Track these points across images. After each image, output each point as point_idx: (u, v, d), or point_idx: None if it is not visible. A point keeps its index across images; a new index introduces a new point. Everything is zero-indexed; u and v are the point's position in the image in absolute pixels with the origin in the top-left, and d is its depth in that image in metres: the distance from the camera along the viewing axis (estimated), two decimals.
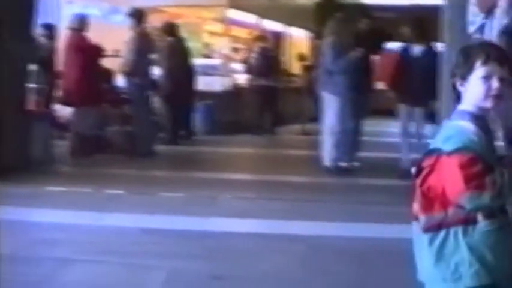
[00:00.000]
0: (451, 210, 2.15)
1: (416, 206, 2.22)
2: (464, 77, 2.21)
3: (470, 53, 2.23)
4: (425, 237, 2.19)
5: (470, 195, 2.08)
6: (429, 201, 2.18)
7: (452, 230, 2.14)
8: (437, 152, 2.18)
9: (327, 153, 7.56)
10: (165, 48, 9.91)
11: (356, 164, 7.63)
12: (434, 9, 6.60)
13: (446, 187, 2.14)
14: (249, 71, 12.42)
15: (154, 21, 10.59)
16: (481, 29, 3.29)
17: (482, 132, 2.16)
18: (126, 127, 8.76)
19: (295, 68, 15.72)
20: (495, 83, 2.16)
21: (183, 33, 10.95)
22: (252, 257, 4.26)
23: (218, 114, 11.29)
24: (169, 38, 10.15)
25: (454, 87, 2.24)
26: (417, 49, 7.26)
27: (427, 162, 2.21)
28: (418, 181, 2.21)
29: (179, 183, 6.77)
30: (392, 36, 8.50)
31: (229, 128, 11.01)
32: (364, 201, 5.91)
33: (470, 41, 5.75)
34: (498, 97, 2.17)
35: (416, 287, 2.26)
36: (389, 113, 8.01)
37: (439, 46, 6.34)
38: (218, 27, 14.55)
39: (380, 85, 8.37)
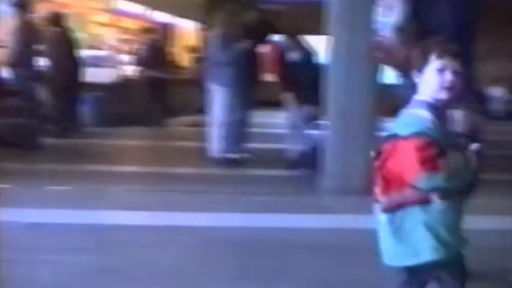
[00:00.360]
0: (408, 191, 2.31)
1: (376, 189, 2.40)
2: (420, 69, 2.40)
3: (426, 47, 2.43)
4: (385, 218, 2.36)
5: (425, 176, 2.24)
6: (388, 184, 2.36)
7: (409, 210, 2.32)
8: (395, 137, 2.35)
9: (216, 144, 7.65)
10: (51, 39, 9.66)
11: (244, 155, 7.75)
12: (320, 2, 6.73)
13: (403, 169, 2.30)
14: (137, 62, 12.33)
15: (41, 11, 10.31)
16: (382, 26, 3.40)
17: (437, 120, 2.33)
18: (12, 119, 8.49)
19: (185, 59, 15.73)
20: (449, 76, 2.35)
21: (70, 23, 10.71)
22: (141, 250, 4.25)
23: (107, 106, 11.14)
24: (55, 28, 9.90)
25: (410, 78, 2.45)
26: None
27: (386, 147, 2.39)
28: (377, 165, 2.39)
29: (67, 176, 6.65)
30: (280, 28, 8.66)
31: (118, 120, 10.90)
32: (252, 192, 6.02)
33: (354, 33, 5.99)
34: (451, 89, 2.35)
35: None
36: (278, 104, 8.18)
37: (324, 40, 6.52)
38: (106, 18, 14.33)
39: (268, 77, 8.55)
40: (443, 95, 2.36)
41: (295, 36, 7.56)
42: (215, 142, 7.67)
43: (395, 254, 2.39)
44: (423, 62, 2.40)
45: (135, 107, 11.73)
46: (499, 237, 4.59)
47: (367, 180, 5.66)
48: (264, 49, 8.08)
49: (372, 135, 6.16)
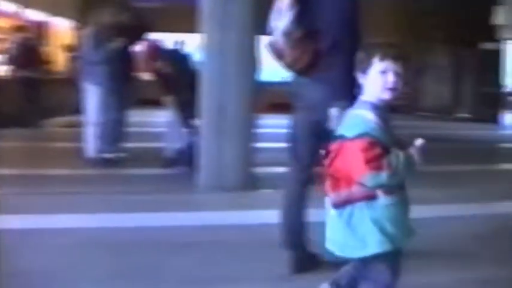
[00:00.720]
0: (355, 188, 2.50)
1: (326, 186, 2.61)
2: (364, 71, 2.58)
3: (370, 51, 2.61)
4: (335, 212, 2.57)
5: (370, 174, 2.43)
6: (336, 181, 2.56)
7: (357, 205, 2.51)
8: (342, 138, 2.53)
9: (91, 144, 7.54)
10: None
11: (121, 154, 7.68)
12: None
13: (351, 168, 2.48)
14: (9, 61, 11.92)
15: None
16: (273, 29, 3.58)
17: (380, 120, 2.51)
18: None
19: (61, 58, 15.33)
20: (391, 77, 2.54)
21: None
22: (15, 254, 4.16)
23: None
24: None
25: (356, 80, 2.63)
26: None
27: (333, 147, 2.58)
28: (326, 164, 2.59)
29: None
30: (156, 26, 8.65)
31: None
32: (128, 192, 5.96)
33: (226, 32, 6.10)
34: (394, 89, 2.54)
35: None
36: (155, 102, 8.17)
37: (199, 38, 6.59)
38: None
39: (145, 75, 8.52)
40: (386, 96, 2.55)
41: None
42: (91, 142, 7.56)
43: (345, 246, 2.58)
44: (367, 64, 2.58)
45: (8, 108, 11.33)
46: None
47: (244, 177, 5.83)
48: (139, 47, 8.05)
49: (247, 132, 6.30)
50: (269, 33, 3.60)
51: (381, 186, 2.48)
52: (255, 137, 6.43)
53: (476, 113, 17.68)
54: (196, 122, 6.68)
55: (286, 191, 3.83)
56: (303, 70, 3.53)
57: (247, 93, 6.26)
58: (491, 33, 16.74)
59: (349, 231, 2.54)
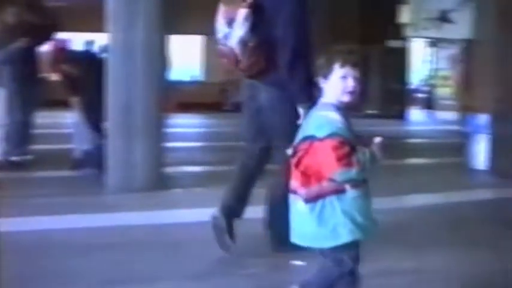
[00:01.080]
0: (325, 183, 2.69)
1: (294, 183, 2.78)
2: (326, 76, 2.80)
3: (330, 58, 2.84)
4: (307, 207, 2.72)
5: (341, 170, 2.64)
6: (307, 178, 2.73)
7: (328, 199, 2.69)
8: (310, 138, 2.72)
9: None
10: None
11: (28, 157, 7.46)
12: None
13: (321, 165, 2.68)
14: None
15: None
16: (226, 37, 3.92)
17: (344, 120, 2.71)
18: None
19: None
20: (350, 82, 2.77)
21: None
22: None
23: None
24: None
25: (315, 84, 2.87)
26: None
27: (302, 147, 2.76)
28: (294, 162, 2.77)
29: None
30: (64, 26, 8.45)
31: None
32: (36, 195, 5.82)
33: (130, 31, 6.03)
34: (353, 93, 2.77)
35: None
36: (64, 103, 7.98)
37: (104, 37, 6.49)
38: None
39: (53, 76, 8.30)
40: (346, 98, 2.77)
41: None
42: None
43: (317, 237, 2.74)
44: (328, 70, 2.81)
45: None
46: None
47: (154, 177, 5.71)
48: (45, 48, 7.84)
49: (156, 132, 6.26)
50: (220, 41, 4.00)
51: (349, 180, 2.69)
52: (165, 137, 6.40)
53: (384, 109, 18.20)
54: (104, 122, 6.58)
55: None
56: (256, 75, 3.95)
57: (155, 92, 6.23)
58: (397, 32, 17.28)
59: (321, 223, 2.71)
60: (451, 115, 15.28)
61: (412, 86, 18.27)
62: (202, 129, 13.64)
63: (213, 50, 16.55)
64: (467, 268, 3.92)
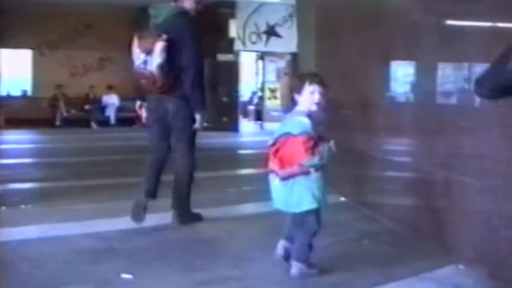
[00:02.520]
0: (296, 167, 3.89)
1: (273, 166, 3.96)
2: (299, 92, 4.01)
3: (302, 77, 4.15)
4: (282, 183, 3.94)
5: (307, 158, 3.86)
6: (283, 163, 3.92)
7: (297, 178, 3.91)
8: (287, 134, 3.92)
9: None
10: None
11: None
12: None
13: (294, 154, 3.88)
14: None
15: None
16: (145, 63, 5.21)
17: (311, 123, 3.88)
18: None
19: None
20: (317, 96, 3.99)
21: None
22: None
23: None
24: None
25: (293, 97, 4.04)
26: None
27: (280, 140, 3.95)
28: (273, 151, 3.96)
29: None
30: None
31: None
32: None
33: None
34: (318, 104, 3.99)
35: None
36: None
37: None
38: None
39: None
40: (313, 108, 3.98)
41: None
42: None
43: (287, 204, 3.99)
44: (300, 87, 4.01)
45: None
46: None
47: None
48: None
49: None
50: (138, 66, 5.27)
51: (313, 166, 3.89)
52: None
53: (216, 122, 18.54)
54: None
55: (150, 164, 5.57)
56: (167, 91, 5.31)
57: None
58: (227, 46, 17.71)
59: (291, 195, 3.94)
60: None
61: (242, 99, 18.76)
62: (32, 145, 13.17)
63: (42, 65, 16.12)
64: (286, 273, 4.10)
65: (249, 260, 4.45)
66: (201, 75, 5.36)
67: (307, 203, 3.91)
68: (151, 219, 5.60)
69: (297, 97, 4.01)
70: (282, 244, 4.14)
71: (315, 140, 3.86)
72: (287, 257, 4.10)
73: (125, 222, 5.48)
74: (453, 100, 4.74)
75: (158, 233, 5.22)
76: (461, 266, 4.24)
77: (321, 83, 4.03)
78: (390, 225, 5.47)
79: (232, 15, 17.46)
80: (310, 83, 4.00)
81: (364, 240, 5.03)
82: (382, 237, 5.16)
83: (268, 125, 18.20)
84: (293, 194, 3.91)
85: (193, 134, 5.49)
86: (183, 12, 5.43)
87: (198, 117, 5.39)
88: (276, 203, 4.07)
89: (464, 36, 4.50)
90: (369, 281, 3.97)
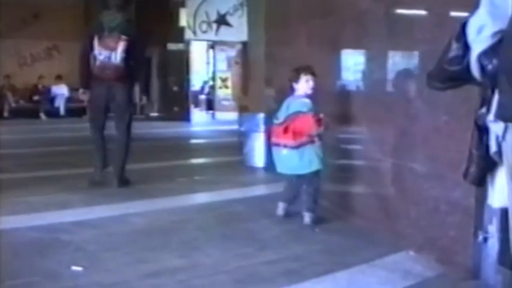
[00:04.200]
0: (305, 137, 5.02)
1: (283, 140, 5.07)
2: (296, 81, 5.17)
3: (298, 70, 5.21)
4: (294, 151, 5.01)
5: (316, 129, 5.04)
6: (295, 134, 4.99)
7: (307, 146, 5.02)
8: (298, 113, 5.04)
9: None
10: None
11: None
12: None
13: (304, 127, 5.01)
14: None
15: None
16: (109, 58, 6.53)
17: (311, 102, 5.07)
18: None
19: None
20: (311, 83, 5.14)
21: None
22: None
23: None
24: None
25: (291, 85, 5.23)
26: None
27: (290, 118, 5.05)
28: (283, 128, 5.06)
29: None
30: None
31: None
32: None
33: None
34: (312, 89, 5.14)
35: None
36: None
37: None
38: None
39: None
40: (309, 92, 5.14)
41: None
42: None
43: (299, 168, 5.09)
44: (297, 77, 5.17)
45: None
46: None
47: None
48: None
49: None
50: (103, 59, 6.49)
51: (318, 135, 5.05)
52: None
53: (166, 111, 18.42)
54: None
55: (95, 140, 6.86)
56: (120, 79, 6.58)
57: None
58: (178, 34, 17.57)
59: (302, 159, 5.03)
60: (230, 115, 15.85)
61: (193, 88, 18.67)
62: None
63: None
64: (234, 261, 4.14)
65: (198, 250, 4.43)
66: (144, 69, 7.43)
67: (315, 164, 5.04)
68: (100, 211, 5.54)
69: (295, 85, 5.16)
70: (282, 206, 5.33)
71: (319, 115, 5.05)
72: (287, 215, 5.31)
73: (74, 214, 5.42)
74: (403, 88, 4.77)
75: (106, 224, 5.15)
76: (411, 253, 4.29)
77: (313, 73, 5.15)
78: (341, 213, 5.51)
79: (183, 4, 17.32)
80: (305, 73, 5.14)
81: (315, 228, 5.05)
82: (332, 225, 5.19)
83: (220, 115, 18.17)
84: (304, 158, 5.01)
85: (131, 115, 6.93)
86: (130, 20, 7.07)
87: (144, 99, 7.73)
88: (284, 169, 5.17)
89: (412, 24, 4.54)
90: (320, 269, 3.98)
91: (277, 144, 5.10)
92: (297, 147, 4.97)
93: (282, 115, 5.09)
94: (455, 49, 2.37)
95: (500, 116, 2.18)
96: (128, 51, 6.50)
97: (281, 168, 5.15)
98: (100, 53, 6.50)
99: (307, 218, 5.08)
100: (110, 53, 6.48)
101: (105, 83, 6.61)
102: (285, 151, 5.03)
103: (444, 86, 2.56)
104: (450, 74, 2.43)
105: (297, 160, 5.00)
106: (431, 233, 4.21)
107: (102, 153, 6.83)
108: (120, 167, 6.79)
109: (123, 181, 6.82)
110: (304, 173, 5.07)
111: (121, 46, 6.47)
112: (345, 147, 5.72)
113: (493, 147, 2.31)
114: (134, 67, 6.71)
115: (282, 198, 5.34)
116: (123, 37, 6.48)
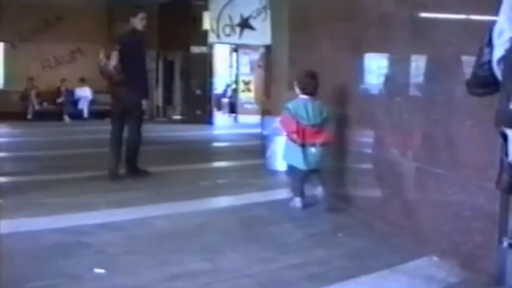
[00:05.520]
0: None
1: (315, 140, 5.87)
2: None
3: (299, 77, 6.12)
4: (317, 149, 5.85)
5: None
6: (317, 136, 5.92)
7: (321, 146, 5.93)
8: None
9: None
10: None
11: None
12: None
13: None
14: None
15: None
16: (106, 65, 7.64)
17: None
18: None
19: None
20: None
21: None
22: None
23: None
24: None
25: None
26: None
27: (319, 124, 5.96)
28: (315, 130, 5.88)
29: None
30: None
31: None
32: None
33: None
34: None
35: None
36: None
37: None
38: None
39: None
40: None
41: None
42: None
43: (317, 163, 5.87)
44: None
45: None
46: None
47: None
48: None
49: None
50: (105, 66, 7.52)
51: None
52: None
53: (189, 114, 18.45)
54: None
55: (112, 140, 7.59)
56: (123, 83, 7.41)
57: None
58: (201, 38, 17.60)
59: (319, 155, 5.82)
60: (253, 119, 15.83)
61: (216, 91, 18.69)
62: (3, 139, 12.99)
63: (13, 58, 15.88)
64: (257, 265, 4.13)
65: (221, 253, 4.42)
66: (146, 75, 7.95)
67: (325, 162, 5.94)
68: (122, 214, 5.56)
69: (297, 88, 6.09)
70: (299, 200, 5.90)
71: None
72: (305, 206, 5.88)
73: (96, 217, 5.44)
74: (427, 92, 4.73)
75: (129, 227, 5.16)
76: (434, 258, 4.24)
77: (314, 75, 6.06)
78: (363, 218, 5.47)
79: (206, 8, 17.34)
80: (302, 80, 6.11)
81: (338, 232, 5.02)
82: (355, 229, 5.16)
83: (242, 118, 18.17)
84: (321, 156, 5.87)
85: (141, 115, 7.72)
86: (134, 31, 7.74)
87: (144, 102, 7.65)
88: (307, 165, 5.83)
89: (436, 28, 4.51)
90: (342, 274, 3.96)
91: (309, 144, 5.84)
92: (318, 146, 5.83)
93: (313, 118, 5.85)
94: (486, 54, 2.34)
95: (500, 123, 2.17)
96: (123, 59, 7.39)
97: (306, 164, 5.83)
98: (101, 60, 7.71)
99: (319, 192, 5.91)
100: (106, 61, 7.59)
101: (116, 88, 7.73)
102: (312, 149, 5.80)
103: (482, 92, 2.52)
104: (483, 79, 2.40)
105: (317, 157, 5.83)
106: (455, 238, 4.17)
107: (117, 149, 7.64)
108: (130, 161, 7.68)
109: (135, 172, 7.64)
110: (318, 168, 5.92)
111: (113, 55, 7.45)
112: (368, 151, 5.68)
113: (510, 155, 2.28)
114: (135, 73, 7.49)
115: (298, 193, 5.93)
116: (117, 47, 7.49)
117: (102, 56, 7.63)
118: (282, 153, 6.25)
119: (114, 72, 7.37)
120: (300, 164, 5.83)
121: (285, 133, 6.07)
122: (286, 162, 6.25)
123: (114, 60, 7.34)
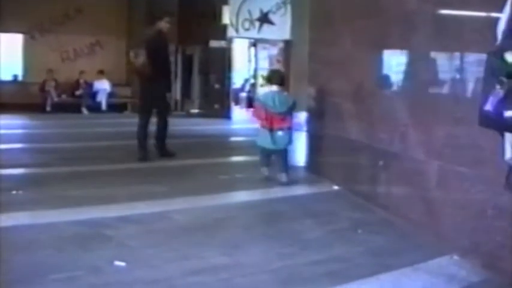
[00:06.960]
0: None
1: (277, 125, 6.94)
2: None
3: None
4: (282, 132, 6.99)
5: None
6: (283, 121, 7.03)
7: (288, 129, 7.11)
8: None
9: None
10: None
11: None
12: None
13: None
14: None
15: None
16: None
17: None
18: None
19: None
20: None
21: None
22: None
23: None
24: None
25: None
26: None
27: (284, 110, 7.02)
28: (281, 117, 6.97)
29: None
30: None
31: None
32: None
33: None
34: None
35: None
36: None
37: None
38: None
39: None
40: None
41: None
42: None
43: (282, 144, 6.97)
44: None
45: None
46: None
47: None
48: None
49: None
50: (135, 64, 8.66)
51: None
52: None
53: (207, 108, 18.46)
54: None
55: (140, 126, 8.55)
56: (151, 78, 8.42)
57: None
58: (220, 32, 17.58)
59: (286, 138, 6.89)
60: None
61: (234, 86, 18.67)
62: (22, 131, 13.08)
63: (33, 49, 15.97)
64: (277, 261, 4.12)
65: (241, 248, 4.42)
66: (169, 70, 9.09)
67: (290, 142, 7.07)
68: (143, 207, 5.58)
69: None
70: (266, 170, 7.22)
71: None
72: (269, 178, 7.10)
73: (116, 210, 5.46)
74: (448, 90, 4.70)
75: (149, 221, 5.18)
76: (455, 257, 4.22)
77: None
78: (384, 215, 5.45)
79: (226, 2, 17.32)
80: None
81: (358, 229, 5.00)
82: (375, 226, 5.14)
83: None
84: (287, 138, 6.97)
85: (167, 105, 9.10)
86: (159, 32, 8.74)
87: (168, 95, 8.87)
88: (275, 146, 6.91)
89: (460, 25, 4.47)
90: (363, 271, 3.94)
91: (274, 129, 6.88)
92: (284, 130, 6.92)
93: (279, 106, 6.86)
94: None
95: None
96: (151, 57, 8.38)
97: (272, 145, 6.94)
98: (132, 58, 8.88)
99: (284, 177, 6.94)
100: (135, 58, 8.66)
101: (146, 82, 8.76)
102: (279, 132, 6.90)
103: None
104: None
105: (283, 139, 6.94)
106: (477, 237, 4.14)
107: (144, 139, 8.69)
108: (160, 143, 8.83)
109: (164, 152, 8.80)
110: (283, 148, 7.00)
111: (141, 53, 8.50)
112: (389, 148, 5.65)
113: (508, 153, 2.29)
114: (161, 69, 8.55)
115: (265, 164, 7.25)
116: (144, 46, 8.56)
117: (133, 55, 8.71)
118: (256, 139, 7.24)
119: (143, 68, 8.35)
120: (269, 145, 6.94)
121: (258, 122, 7.04)
122: (258, 144, 7.15)
123: (142, 58, 8.38)
